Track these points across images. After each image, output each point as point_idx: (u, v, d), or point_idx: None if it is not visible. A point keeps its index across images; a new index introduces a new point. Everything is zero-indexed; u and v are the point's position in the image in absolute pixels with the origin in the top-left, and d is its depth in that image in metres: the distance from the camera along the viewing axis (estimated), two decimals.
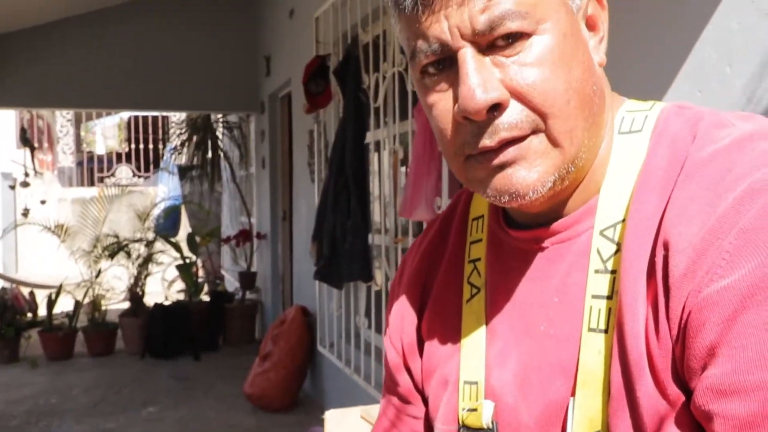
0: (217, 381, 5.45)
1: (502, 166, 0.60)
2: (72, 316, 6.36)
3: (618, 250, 0.60)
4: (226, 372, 5.65)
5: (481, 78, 0.58)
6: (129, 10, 5.98)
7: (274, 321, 5.30)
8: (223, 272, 8.46)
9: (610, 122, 0.66)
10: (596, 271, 0.61)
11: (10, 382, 5.58)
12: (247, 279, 6.70)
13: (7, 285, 7.16)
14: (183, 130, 7.41)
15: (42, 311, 6.39)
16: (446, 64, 0.61)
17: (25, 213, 7.20)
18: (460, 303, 0.74)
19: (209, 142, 7.19)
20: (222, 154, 7.39)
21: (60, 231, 6.77)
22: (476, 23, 0.57)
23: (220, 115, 7.33)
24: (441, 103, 0.62)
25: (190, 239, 7.11)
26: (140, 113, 11.32)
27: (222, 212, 9.26)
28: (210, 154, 7.27)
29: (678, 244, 0.54)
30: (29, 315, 6.29)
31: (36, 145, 7.93)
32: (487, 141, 0.60)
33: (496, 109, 0.59)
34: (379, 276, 3.45)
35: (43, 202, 8.22)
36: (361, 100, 3.41)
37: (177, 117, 11.60)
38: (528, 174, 0.60)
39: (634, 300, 0.56)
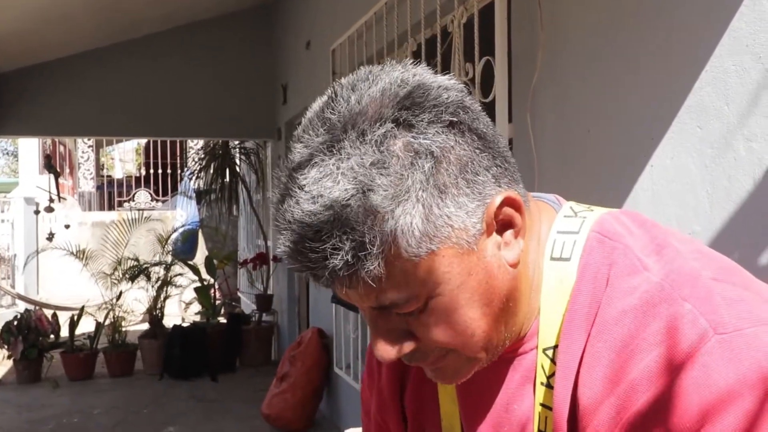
0: (235, 402, 5.54)
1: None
2: (93, 337, 6.50)
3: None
4: (244, 393, 5.75)
5: (387, 339, 0.66)
6: (149, 42, 6.17)
7: (290, 343, 5.39)
8: (239, 294, 8.58)
9: (541, 246, 0.71)
10: (542, 384, 0.69)
11: (33, 402, 5.71)
12: (264, 301, 6.81)
13: (30, 307, 7.31)
14: (201, 156, 7.56)
15: (64, 332, 6.52)
16: None
17: (50, 237, 7.36)
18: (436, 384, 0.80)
19: (227, 168, 7.35)
20: (239, 179, 7.55)
21: (82, 255, 6.92)
22: (372, 303, 0.63)
23: (237, 141, 7.50)
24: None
25: (209, 262, 7.24)
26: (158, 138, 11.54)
27: (238, 235, 9.39)
28: (227, 179, 7.43)
29: (586, 407, 0.63)
30: (51, 336, 6.42)
31: (59, 171, 8.12)
32: (405, 361, 0.69)
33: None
34: None
35: (67, 227, 8.40)
36: None
37: (194, 142, 11.84)
38: (453, 377, 0.71)
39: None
